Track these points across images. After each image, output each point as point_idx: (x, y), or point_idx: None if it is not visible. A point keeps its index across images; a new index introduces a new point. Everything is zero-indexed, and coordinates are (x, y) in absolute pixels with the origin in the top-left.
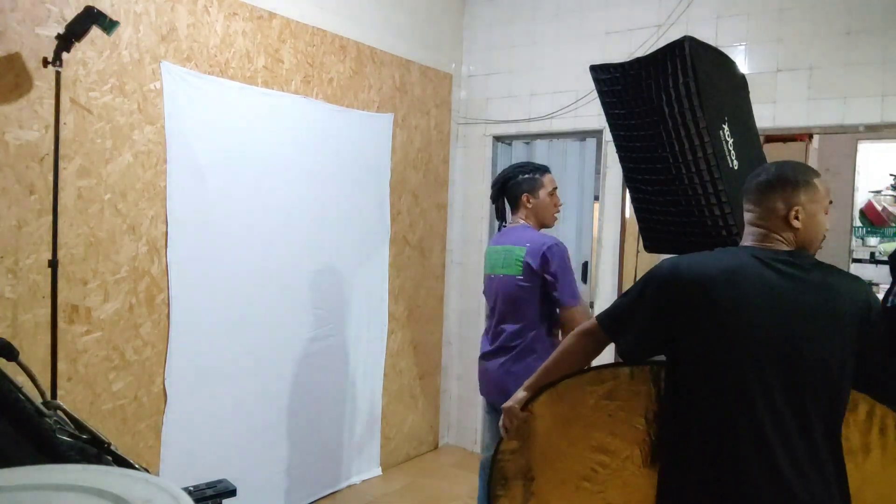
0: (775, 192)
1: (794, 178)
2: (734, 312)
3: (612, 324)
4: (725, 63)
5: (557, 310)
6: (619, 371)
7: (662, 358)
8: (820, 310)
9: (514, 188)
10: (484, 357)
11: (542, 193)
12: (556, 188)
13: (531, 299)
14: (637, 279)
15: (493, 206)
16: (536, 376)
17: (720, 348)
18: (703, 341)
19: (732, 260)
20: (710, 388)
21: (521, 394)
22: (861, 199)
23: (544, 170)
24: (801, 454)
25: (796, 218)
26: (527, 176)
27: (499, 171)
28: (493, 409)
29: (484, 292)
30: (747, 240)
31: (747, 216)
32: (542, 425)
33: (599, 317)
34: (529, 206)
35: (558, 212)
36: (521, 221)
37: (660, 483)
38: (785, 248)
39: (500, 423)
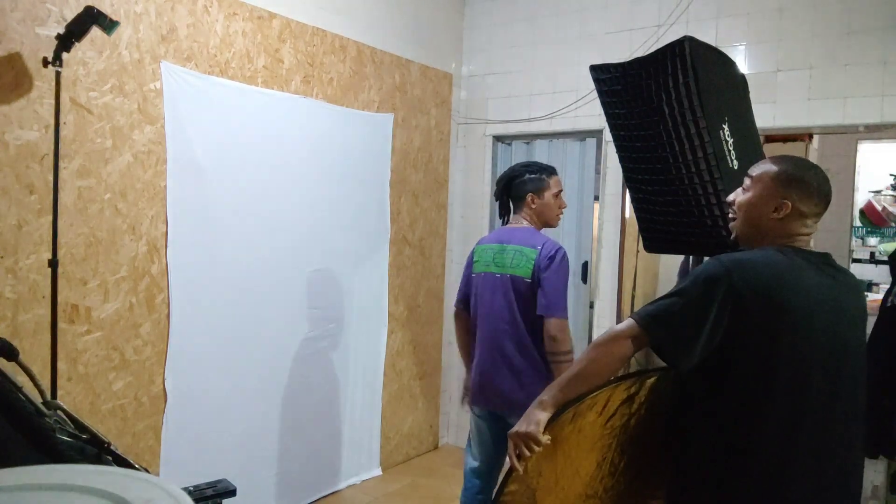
0: (824, 197)
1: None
2: (799, 314)
3: (663, 326)
4: (725, 63)
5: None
6: (644, 381)
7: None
8: (854, 308)
9: (519, 187)
10: (484, 361)
11: (548, 195)
12: (561, 190)
13: (534, 302)
14: (692, 277)
15: (497, 203)
16: (558, 391)
17: (785, 350)
18: (768, 343)
19: (791, 261)
20: (773, 391)
21: (538, 415)
22: (861, 199)
23: (551, 171)
24: (847, 445)
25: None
26: (533, 176)
27: (499, 171)
28: (494, 417)
29: (465, 291)
30: (782, 241)
31: (796, 219)
32: (552, 447)
33: (642, 319)
34: (534, 206)
35: (562, 214)
36: (524, 222)
37: (696, 494)
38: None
39: (511, 450)
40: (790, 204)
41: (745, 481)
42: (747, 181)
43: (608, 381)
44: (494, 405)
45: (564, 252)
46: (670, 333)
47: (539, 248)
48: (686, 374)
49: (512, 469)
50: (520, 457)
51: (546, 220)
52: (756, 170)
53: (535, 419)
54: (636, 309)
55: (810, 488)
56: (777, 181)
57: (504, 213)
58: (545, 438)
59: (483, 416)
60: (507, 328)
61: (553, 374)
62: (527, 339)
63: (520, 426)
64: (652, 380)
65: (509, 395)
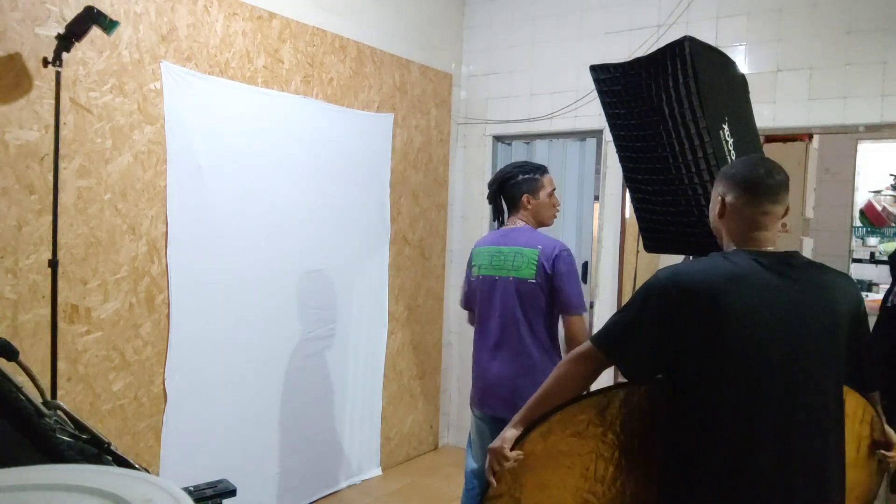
0: (776, 194)
1: (786, 179)
2: (743, 320)
3: (613, 344)
4: (725, 63)
5: (560, 318)
6: (611, 394)
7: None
8: (819, 309)
9: (513, 188)
10: (486, 365)
11: (543, 194)
12: (554, 189)
13: (543, 303)
14: (634, 293)
15: (490, 205)
16: (526, 410)
17: (732, 357)
18: (714, 351)
19: (734, 266)
20: (723, 397)
21: (509, 432)
22: (861, 199)
23: (543, 170)
24: (816, 454)
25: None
26: (527, 176)
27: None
28: (495, 420)
29: (468, 294)
30: (737, 242)
31: (736, 216)
32: (530, 461)
33: (595, 338)
34: (529, 206)
35: (557, 212)
36: (521, 223)
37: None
38: (771, 248)
39: (487, 465)
40: (720, 198)
41: (701, 487)
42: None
43: (575, 398)
44: (494, 409)
45: (566, 247)
46: (619, 349)
47: (539, 247)
48: (656, 385)
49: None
50: (496, 472)
51: (542, 220)
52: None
53: (504, 436)
54: None
55: (771, 499)
56: (714, 183)
57: (497, 216)
58: (514, 454)
59: (484, 418)
60: (507, 332)
61: None
62: (527, 342)
63: (494, 442)
64: (621, 393)
65: (510, 398)
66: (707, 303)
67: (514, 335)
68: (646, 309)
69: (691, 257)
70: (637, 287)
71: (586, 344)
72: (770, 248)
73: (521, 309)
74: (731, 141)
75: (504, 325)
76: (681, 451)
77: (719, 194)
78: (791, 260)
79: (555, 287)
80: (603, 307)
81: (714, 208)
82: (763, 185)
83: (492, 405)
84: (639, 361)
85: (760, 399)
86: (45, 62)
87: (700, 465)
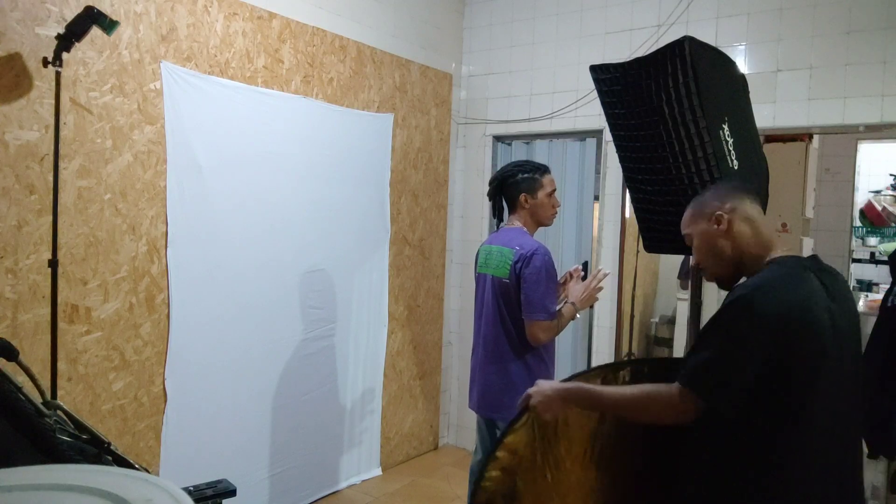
0: (731, 190)
1: None
2: (822, 339)
3: (713, 386)
4: (725, 63)
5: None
6: (616, 372)
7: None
8: (850, 316)
9: (512, 187)
10: (477, 366)
11: (541, 194)
12: (554, 189)
13: (517, 304)
14: (716, 321)
15: (490, 203)
16: (594, 397)
17: (818, 377)
18: (801, 374)
19: (801, 278)
20: (804, 420)
21: (568, 394)
22: (861, 199)
23: (544, 170)
24: (857, 463)
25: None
26: (526, 175)
27: None
28: (487, 424)
29: (475, 292)
30: (766, 248)
31: (748, 224)
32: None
33: (688, 382)
34: (527, 206)
35: (556, 213)
36: (517, 223)
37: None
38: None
39: (528, 400)
40: (722, 215)
41: (780, 495)
42: (687, 239)
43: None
44: (484, 410)
45: (544, 251)
46: (720, 391)
47: (516, 248)
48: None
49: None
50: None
51: (539, 220)
52: (684, 224)
53: (555, 397)
54: (635, 309)
55: (835, 497)
56: (694, 213)
57: (497, 214)
58: (560, 412)
59: (480, 418)
60: (495, 330)
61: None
62: (515, 341)
63: (545, 389)
64: (624, 371)
65: (499, 397)
66: (799, 322)
67: (498, 333)
68: (740, 339)
69: (691, 259)
70: (638, 284)
71: (673, 388)
72: (789, 249)
73: (500, 308)
74: (730, 141)
75: (490, 323)
76: (727, 469)
77: (716, 213)
78: (822, 266)
79: (520, 288)
80: (603, 307)
81: (716, 235)
82: (741, 188)
83: (480, 405)
84: (737, 398)
85: (832, 418)
86: (45, 62)
87: (777, 476)
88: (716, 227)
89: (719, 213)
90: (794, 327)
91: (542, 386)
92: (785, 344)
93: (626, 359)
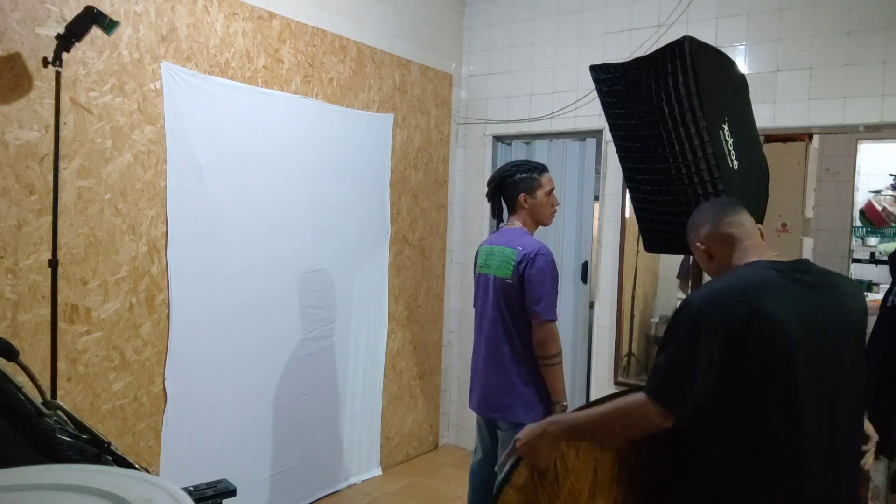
0: (731, 207)
1: (734, 200)
2: (781, 330)
3: (675, 391)
4: (725, 63)
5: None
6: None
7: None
8: (840, 316)
9: (511, 187)
10: (478, 367)
11: (540, 194)
12: (553, 188)
13: (518, 305)
14: (669, 329)
15: (490, 204)
16: (574, 425)
17: (777, 371)
18: (760, 368)
19: (760, 278)
20: (771, 414)
21: (552, 428)
22: (861, 199)
23: (542, 169)
24: (847, 464)
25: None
26: (524, 175)
27: None
28: (487, 424)
29: (474, 293)
30: (751, 255)
31: (720, 242)
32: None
33: (657, 393)
34: (526, 206)
35: (555, 212)
36: (517, 223)
37: None
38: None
39: (515, 445)
40: (698, 245)
41: (769, 493)
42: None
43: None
44: (485, 410)
45: (546, 252)
46: (680, 398)
47: (519, 248)
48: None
49: (518, 461)
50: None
51: (539, 220)
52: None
53: (550, 431)
54: (635, 309)
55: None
56: (687, 232)
57: (496, 215)
58: (554, 453)
59: (480, 419)
60: (496, 330)
61: (544, 376)
62: (516, 342)
63: (535, 428)
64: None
65: (499, 398)
66: (749, 322)
67: (500, 335)
68: (693, 344)
69: (691, 259)
70: (638, 284)
71: (639, 398)
72: (777, 255)
73: (506, 308)
74: (731, 141)
75: (492, 325)
76: (718, 471)
77: (695, 244)
78: (802, 266)
79: (524, 290)
80: (603, 307)
81: (703, 260)
82: (716, 207)
83: (482, 406)
84: (692, 403)
85: (807, 410)
86: (45, 62)
87: (747, 485)
88: (699, 253)
89: (697, 243)
90: (742, 327)
91: (525, 430)
92: (733, 344)
93: (624, 388)
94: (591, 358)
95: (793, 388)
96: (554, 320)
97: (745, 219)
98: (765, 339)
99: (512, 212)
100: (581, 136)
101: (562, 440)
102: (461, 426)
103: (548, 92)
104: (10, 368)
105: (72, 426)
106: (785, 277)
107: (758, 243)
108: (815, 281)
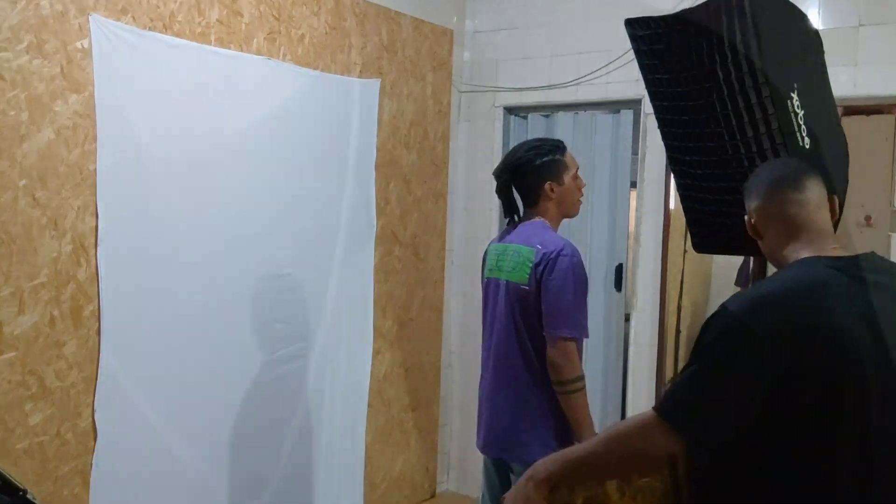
0: (795, 181)
1: (804, 167)
2: (847, 352)
3: (690, 412)
4: (795, 16)
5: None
6: None
7: None
8: None
9: (532, 176)
10: (485, 394)
11: (567, 178)
12: (578, 167)
13: (538, 317)
14: (699, 341)
15: (500, 199)
16: (565, 460)
17: (841, 403)
18: (817, 400)
19: (815, 281)
20: (828, 460)
21: (538, 474)
22: None
23: (562, 147)
24: None
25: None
26: (546, 159)
27: None
28: (496, 466)
29: (482, 303)
30: (792, 248)
31: (771, 223)
32: None
33: (665, 410)
34: (554, 196)
35: (582, 197)
36: (539, 217)
37: None
38: (839, 249)
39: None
40: (747, 219)
41: None
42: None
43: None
44: (493, 449)
45: (571, 251)
46: (698, 423)
47: (538, 246)
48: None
49: None
50: None
51: (566, 211)
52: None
53: (538, 479)
54: (682, 323)
55: None
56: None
57: (510, 212)
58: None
59: (488, 459)
60: (508, 348)
61: (562, 406)
62: (534, 363)
63: (523, 481)
64: None
65: (512, 433)
66: (804, 337)
67: (513, 353)
68: (723, 364)
69: (751, 261)
70: (686, 292)
71: (643, 413)
72: (838, 248)
73: (516, 321)
74: (800, 113)
75: (503, 340)
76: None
77: (746, 215)
78: (869, 262)
79: (541, 296)
80: (642, 321)
81: (751, 234)
82: (776, 173)
83: (489, 443)
84: (715, 432)
85: (884, 452)
86: None
87: None
88: (748, 225)
89: (747, 214)
90: (795, 344)
91: (509, 494)
92: (783, 367)
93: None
94: (627, 383)
95: (865, 423)
96: (574, 338)
97: (809, 196)
98: (826, 360)
99: (531, 204)
100: (614, 107)
101: (553, 483)
102: (464, 469)
103: (573, 52)
104: None
105: None
106: (848, 277)
107: (819, 232)
108: (887, 282)
